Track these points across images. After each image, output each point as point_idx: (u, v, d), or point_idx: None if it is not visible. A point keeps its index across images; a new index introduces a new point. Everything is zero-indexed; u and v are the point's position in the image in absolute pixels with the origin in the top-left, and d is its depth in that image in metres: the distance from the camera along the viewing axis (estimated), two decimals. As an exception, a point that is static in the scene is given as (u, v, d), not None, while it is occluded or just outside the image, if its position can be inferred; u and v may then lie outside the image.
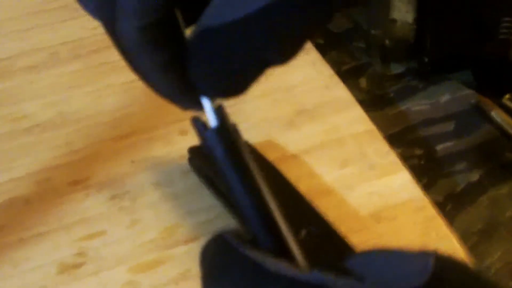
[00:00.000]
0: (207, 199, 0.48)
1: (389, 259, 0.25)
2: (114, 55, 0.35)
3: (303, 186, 0.47)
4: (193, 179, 0.49)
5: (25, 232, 0.46)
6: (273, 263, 0.27)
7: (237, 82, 0.29)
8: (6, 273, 0.44)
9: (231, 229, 0.31)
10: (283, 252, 0.31)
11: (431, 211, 0.48)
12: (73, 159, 0.50)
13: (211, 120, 0.32)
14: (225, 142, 0.31)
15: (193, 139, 0.53)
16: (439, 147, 0.61)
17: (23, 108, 0.53)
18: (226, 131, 0.32)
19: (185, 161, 0.50)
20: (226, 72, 0.28)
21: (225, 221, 0.47)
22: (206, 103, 0.31)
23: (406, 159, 0.51)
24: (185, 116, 0.54)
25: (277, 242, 0.31)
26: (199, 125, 0.32)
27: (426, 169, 0.54)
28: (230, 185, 0.32)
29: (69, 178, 0.49)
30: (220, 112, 0.32)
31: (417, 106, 0.64)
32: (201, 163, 0.49)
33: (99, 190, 0.48)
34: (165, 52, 0.27)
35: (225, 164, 0.31)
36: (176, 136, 0.52)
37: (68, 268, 0.44)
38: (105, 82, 0.55)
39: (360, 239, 0.47)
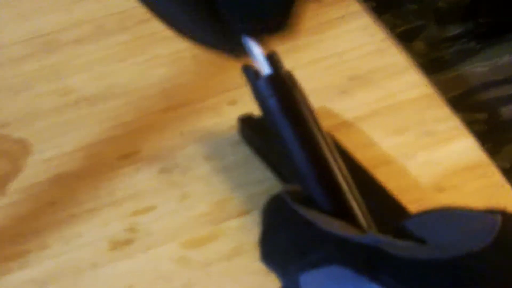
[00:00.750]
0: (258, 171, 0.46)
1: (451, 219, 0.23)
2: (161, 25, 0.34)
3: (359, 156, 0.46)
4: (244, 151, 0.48)
5: (76, 208, 0.45)
6: (325, 222, 0.26)
7: (272, 8, 0.26)
8: (58, 250, 0.43)
9: (290, 187, 0.29)
10: (343, 211, 0.28)
11: (497, 178, 0.45)
12: (122, 132, 0.49)
13: (263, 66, 0.28)
14: (279, 91, 0.28)
15: (242, 109, 0.52)
16: (503, 111, 0.58)
17: (71, 82, 0.53)
18: (280, 79, 0.28)
19: (235, 132, 0.49)
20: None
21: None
22: (254, 46, 0.28)
23: (468, 124, 0.49)
24: (234, 86, 0.53)
25: (336, 201, 0.28)
26: (250, 73, 0.29)
27: (490, 134, 0.51)
28: (285, 140, 0.28)
29: (118, 152, 0.48)
30: (273, 59, 0.28)
31: (476, 68, 0.61)
32: (251, 133, 0.48)
33: (148, 163, 0.47)
34: None
35: (280, 116, 0.28)
36: (226, 107, 0.50)
37: (119, 244, 0.43)
38: (152, 53, 0.54)
39: (421, 209, 0.44)
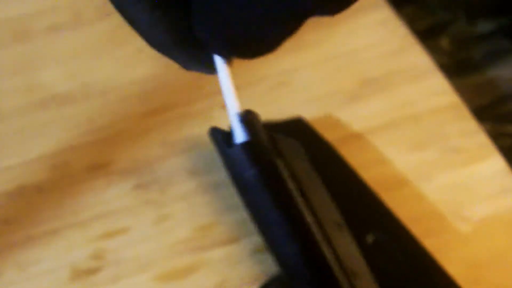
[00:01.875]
0: (251, 192, 0.40)
1: None
2: None
3: (369, 175, 0.40)
4: (236, 165, 0.42)
5: (34, 229, 0.39)
6: None
7: (258, 37, 0.21)
8: (11, 278, 0.37)
9: (276, 277, 0.25)
10: None
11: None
12: (93, 139, 0.43)
13: (237, 131, 0.23)
14: (258, 162, 0.23)
15: (237, 116, 0.46)
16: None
17: (39, 76, 0.46)
18: (260, 147, 0.23)
19: (227, 142, 0.42)
20: (243, 21, 0.20)
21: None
22: (229, 96, 0.23)
23: (496, 137, 0.43)
24: (228, 87, 0.47)
25: None
26: (219, 137, 0.24)
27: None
28: (266, 222, 0.23)
29: (87, 162, 0.42)
30: (249, 119, 0.23)
31: (510, 72, 0.54)
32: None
33: (123, 177, 0.41)
34: None
35: (261, 194, 0.23)
36: (217, 112, 0.44)
37: (82, 274, 0.37)
38: (135, 46, 0.47)
39: (440, 243, 0.39)
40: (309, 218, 0.24)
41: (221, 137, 0.24)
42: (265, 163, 0.23)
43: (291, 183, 0.24)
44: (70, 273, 0.37)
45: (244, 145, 0.23)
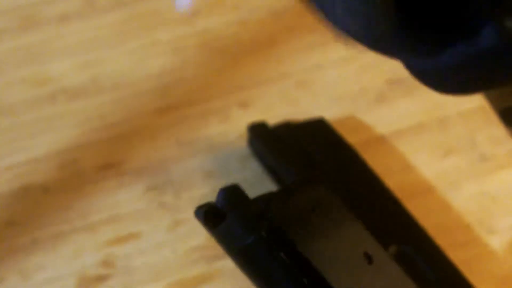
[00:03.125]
0: (270, 197, 0.38)
1: None
2: (163, 3, 0.26)
3: (393, 181, 0.38)
4: (254, 168, 0.39)
5: (40, 232, 0.37)
6: None
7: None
8: (14, 285, 0.35)
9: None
10: None
11: None
12: (105, 136, 0.40)
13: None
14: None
15: (255, 114, 0.43)
16: None
17: (48, 68, 0.43)
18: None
19: (244, 142, 0.40)
20: None
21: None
22: None
23: None
24: (247, 84, 0.43)
25: None
26: (207, 219, 0.24)
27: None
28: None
29: (98, 162, 0.39)
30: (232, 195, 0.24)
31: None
32: (263, 147, 0.39)
33: (135, 178, 0.39)
34: None
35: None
36: (235, 110, 0.41)
37: (90, 282, 0.35)
38: (150, 38, 0.45)
39: (467, 255, 0.36)
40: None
41: (208, 216, 0.24)
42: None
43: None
44: (77, 281, 0.35)
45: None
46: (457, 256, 0.35)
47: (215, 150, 0.40)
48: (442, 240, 0.36)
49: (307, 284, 0.24)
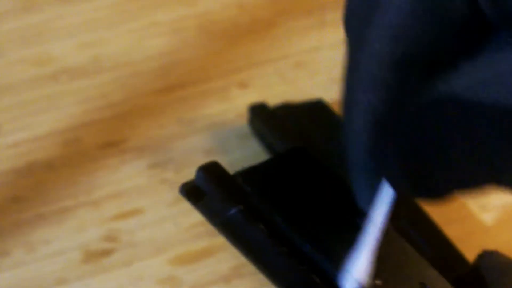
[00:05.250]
0: (270, 174, 0.39)
1: None
2: None
3: None
4: (253, 146, 0.40)
5: (45, 207, 0.37)
6: None
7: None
8: (19, 259, 0.35)
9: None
10: None
11: None
12: (107, 115, 0.41)
13: None
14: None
15: (254, 95, 0.43)
16: None
17: (49, 49, 0.44)
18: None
19: (244, 122, 0.41)
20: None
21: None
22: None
23: None
24: (247, 65, 0.44)
25: None
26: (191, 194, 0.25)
27: None
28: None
29: (101, 140, 0.40)
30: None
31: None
32: (263, 127, 0.40)
33: (137, 155, 0.39)
34: None
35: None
36: (235, 90, 0.42)
37: (94, 256, 0.35)
38: (150, 19, 0.45)
39: (460, 231, 0.37)
40: None
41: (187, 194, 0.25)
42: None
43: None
44: (82, 255, 0.35)
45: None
46: (450, 231, 0.36)
47: (215, 128, 0.41)
48: (437, 216, 0.36)
49: (287, 252, 0.25)
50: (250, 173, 0.27)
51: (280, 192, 0.27)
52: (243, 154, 0.40)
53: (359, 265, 0.23)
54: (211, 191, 0.25)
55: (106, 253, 0.36)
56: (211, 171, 0.26)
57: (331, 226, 0.27)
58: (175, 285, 0.35)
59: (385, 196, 0.23)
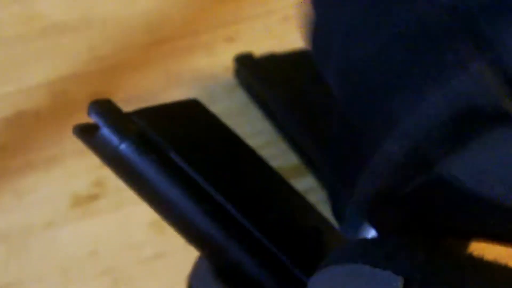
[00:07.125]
0: (256, 122, 0.39)
1: (359, 278, 0.18)
2: None
3: None
4: (240, 97, 0.40)
5: (33, 155, 0.37)
6: None
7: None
8: (8, 204, 0.36)
9: None
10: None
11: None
12: (95, 68, 0.41)
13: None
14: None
15: (240, 48, 0.44)
16: None
17: (38, 5, 0.44)
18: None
19: (230, 74, 0.41)
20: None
21: (276, 148, 0.38)
22: None
23: None
24: (232, 20, 0.44)
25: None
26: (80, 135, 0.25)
27: None
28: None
29: (89, 91, 0.40)
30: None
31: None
32: (249, 76, 0.40)
33: (124, 106, 0.39)
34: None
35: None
36: (221, 44, 0.42)
37: (82, 201, 0.36)
38: (137, -24, 0.46)
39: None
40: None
41: (80, 132, 0.25)
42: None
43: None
44: (70, 200, 0.36)
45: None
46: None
47: (202, 81, 0.41)
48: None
49: (180, 181, 0.24)
50: (144, 112, 0.27)
51: (174, 129, 0.27)
52: (229, 105, 0.40)
53: None
54: (104, 125, 0.25)
55: (93, 198, 0.36)
56: (104, 106, 0.26)
57: (222, 160, 0.27)
58: (162, 229, 0.35)
59: None
